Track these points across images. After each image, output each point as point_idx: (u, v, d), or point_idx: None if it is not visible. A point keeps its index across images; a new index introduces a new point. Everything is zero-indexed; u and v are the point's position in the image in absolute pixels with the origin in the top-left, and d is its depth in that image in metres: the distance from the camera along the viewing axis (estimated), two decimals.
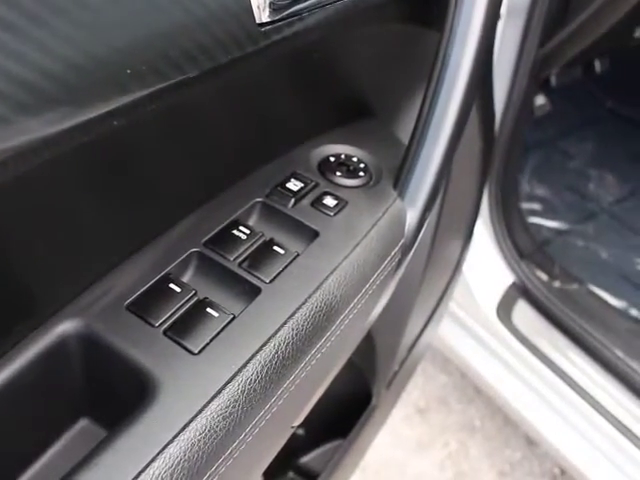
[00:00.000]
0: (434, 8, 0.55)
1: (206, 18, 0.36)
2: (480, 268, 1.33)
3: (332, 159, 0.57)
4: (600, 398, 1.22)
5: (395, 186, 0.55)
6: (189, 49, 0.36)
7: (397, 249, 0.52)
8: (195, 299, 0.43)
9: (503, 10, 1.03)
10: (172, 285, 0.43)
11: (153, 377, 0.38)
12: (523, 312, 1.33)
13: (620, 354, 1.23)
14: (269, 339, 0.41)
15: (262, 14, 0.39)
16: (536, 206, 1.56)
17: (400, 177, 0.54)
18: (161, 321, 0.41)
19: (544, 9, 1.04)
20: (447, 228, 0.82)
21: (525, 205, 1.54)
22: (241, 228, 0.48)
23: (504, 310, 1.32)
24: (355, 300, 0.48)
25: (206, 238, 0.47)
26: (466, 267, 1.29)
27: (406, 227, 0.53)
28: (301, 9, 0.43)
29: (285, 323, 0.42)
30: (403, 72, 0.62)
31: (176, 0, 0.36)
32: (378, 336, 0.75)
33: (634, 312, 1.36)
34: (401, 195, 0.54)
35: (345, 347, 0.53)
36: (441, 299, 0.99)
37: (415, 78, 0.62)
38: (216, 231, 0.47)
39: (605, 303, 1.35)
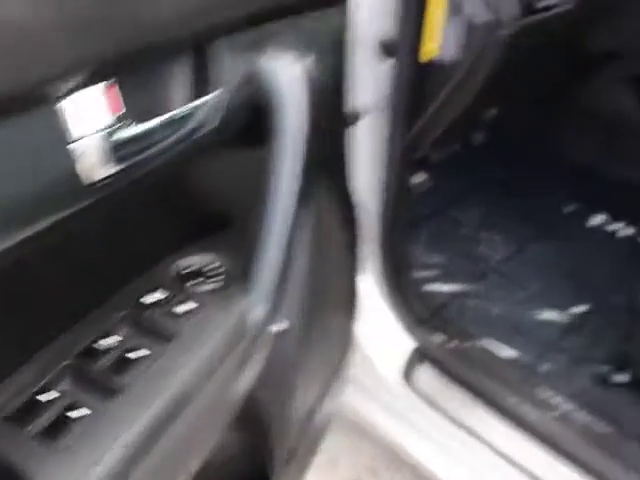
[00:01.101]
0: (262, 130, 0.66)
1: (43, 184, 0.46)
2: (382, 337, 1.43)
3: (190, 269, 0.67)
4: (501, 445, 1.33)
5: (245, 287, 0.65)
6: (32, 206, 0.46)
7: (245, 341, 0.62)
8: (62, 404, 0.52)
9: (368, 105, 1.17)
10: (45, 395, 0.52)
11: (26, 475, 0.46)
12: (427, 374, 1.43)
13: (514, 401, 1.34)
14: (127, 432, 0.50)
15: (95, 173, 0.50)
16: (432, 273, 1.69)
17: (249, 278, 0.65)
18: (33, 426, 0.49)
19: (404, 102, 1.18)
20: (320, 311, 0.92)
21: (421, 273, 1.67)
22: (107, 341, 0.57)
23: (409, 375, 1.42)
24: (207, 391, 0.57)
25: (76, 352, 0.56)
26: (368, 338, 1.40)
27: (254, 320, 0.63)
28: (139, 161, 0.54)
29: (140, 417, 0.51)
30: (254, 184, 0.73)
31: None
32: (265, 415, 0.83)
33: (525, 360, 1.48)
34: (250, 294, 0.64)
35: (207, 431, 0.62)
36: (335, 372, 1.09)
37: (262, 189, 0.73)
38: (85, 345, 0.56)
39: (498, 356, 1.47)
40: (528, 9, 1.10)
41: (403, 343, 1.43)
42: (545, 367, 1.47)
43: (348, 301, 1.08)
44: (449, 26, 1.09)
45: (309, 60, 0.64)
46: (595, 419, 1.33)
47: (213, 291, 0.64)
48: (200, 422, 0.56)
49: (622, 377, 1.41)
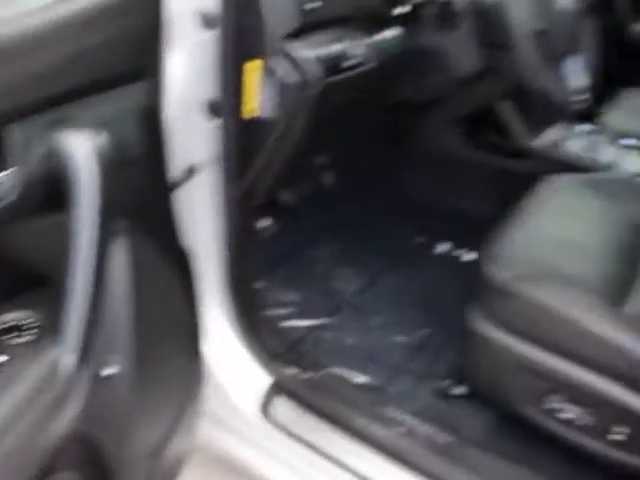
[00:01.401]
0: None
1: None
2: (239, 373, 1.51)
3: (5, 325, 0.74)
4: (354, 465, 1.43)
5: (56, 338, 0.72)
6: None
7: (55, 388, 0.69)
8: None
9: (202, 161, 1.27)
10: None
11: None
12: (283, 406, 1.52)
13: (363, 422, 1.45)
14: None
15: None
16: (288, 310, 1.80)
17: (60, 330, 0.72)
18: None
19: (233, 156, 1.29)
20: (157, 353, 1.00)
21: (277, 311, 1.77)
22: None
23: (266, 408, 1.51)
24: (14, 434, 0.64)
25: None
26: (225, 374, 1.48)
27: (64, 368, 0.70)
28: None
29: None
30: (63, 245, 0.81)
31: None
32: (104, 455, 0.90)
33: (375, 384, 1.60)
34: (60, 344, 0.72)
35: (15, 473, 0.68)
36: (184, 410, 1.16)
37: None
38: None
39: (350, 382, 1.58)
40: (334, 69, 1.24)
41: (259, 378, 1.52)
42: (393, 388, 1.59)
43: (191, 342, 1.16)
44: (265, 87, 1.22)
45: (101, 137, 0.74)
46: (438, 430, 1.46)
47: (26, 344, 0.70)
48: (7, 464, 0.62)
49: (460, 390, 1.55)
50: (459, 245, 2.08)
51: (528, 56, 1.27)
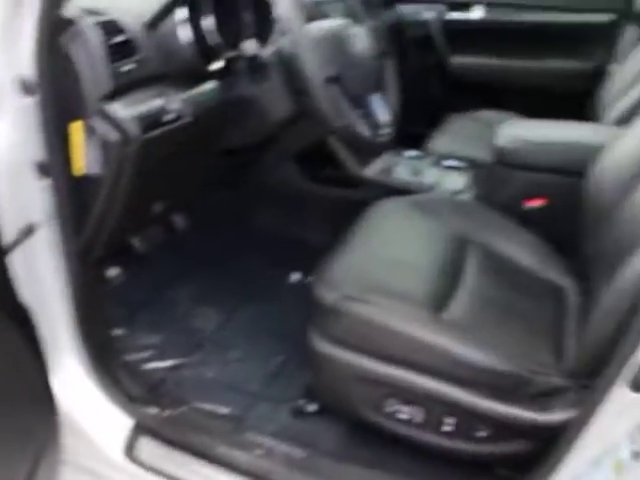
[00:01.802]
0: None
1: None
2: (100, 419, 1.55)
3: None
4: None
5: None
6: None
7: None
8: None
9: (37, 220, 1.32)
10: None
11: None
12: (148, 447, 1.57)
13: (225, 449, 1.52)
14: None
15: None
16: (149, 353, 1.85)
17: None
18: None
19: (68, 213, 1.34)
20: None
21: (139, 355, 1.83)
22: None
23: (131, 451, 1.55)
24: None
25: None
26: (87, 420, 1.52)
27: None
28: None
29: None
30: None
31: None
32: None
33: (235, 413, 1.68)
34: None
35: None
36: (37, 464, 1.20)
37: None
38: None
39: (212, 414, 1.66)
40: (153, 125, 1.34)
41: (121, 421, 1.56)
42: (252, 414, 1.68)
43: (40, 394, 1.21)
44: (88, 146, 1.29)
45: None
46: (295, 447, 1.56)
47: None
48: None
49: (313, 407, 1.67)
50: (309, 273, 2.21)
51: (325, 100, 1.41)
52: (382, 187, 2.02)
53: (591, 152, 1.64)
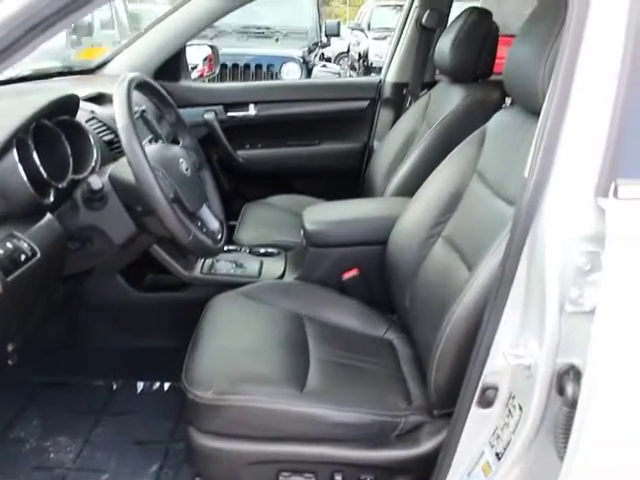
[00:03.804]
0: None
1: None
2: None
3: None
4: None
5: None
6: None
7: None
8: None
9: None
10: None
11: None
12: None
13: None
14: None
15: None
16: None
17: None
18: None
19: None
20: None
21: None
22: None
23: None
24: None
25: None
26: None
27: None
28: None
29: None
30: None
31: None
32: None
33: None
34: None
35: None
36: None
37: None
38: None
39: None
40: (13, 267, 1.32)
41: None
42: None
43: None
44: None
45: None
46: None
47: None
48: None
49: None
50: (157, 378, 2.30)
51: (172, 220, 1.53)
52: (211, 284, 2.15)
53: (388, 223, 1.95)
